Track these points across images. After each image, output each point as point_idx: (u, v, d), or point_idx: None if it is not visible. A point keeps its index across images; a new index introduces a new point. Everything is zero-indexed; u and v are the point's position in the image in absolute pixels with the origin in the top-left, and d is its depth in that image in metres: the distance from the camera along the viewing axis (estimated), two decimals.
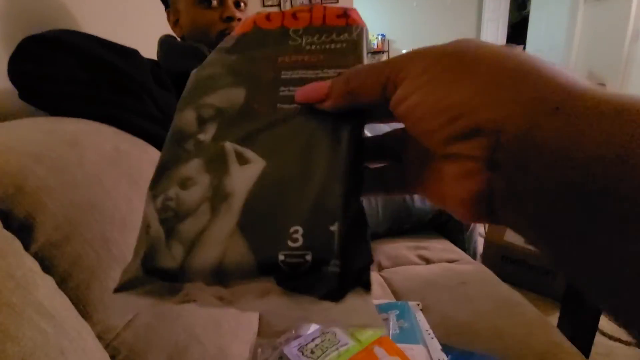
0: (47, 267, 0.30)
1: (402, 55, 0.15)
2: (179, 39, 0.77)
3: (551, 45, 4.52)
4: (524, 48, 4.58)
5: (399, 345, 0.44)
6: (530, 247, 1.16)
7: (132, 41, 0.63)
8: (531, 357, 0.49)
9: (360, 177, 0.16)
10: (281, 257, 0.13)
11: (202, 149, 0.17)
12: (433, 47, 0.15)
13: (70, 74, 0.47)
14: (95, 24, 0.83)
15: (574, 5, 4.10)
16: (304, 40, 0.19)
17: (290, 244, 0.14)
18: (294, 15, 0.21)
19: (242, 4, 0.78)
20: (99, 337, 0.33)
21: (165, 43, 0.73)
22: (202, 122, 0.18)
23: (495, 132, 0.12)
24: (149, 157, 0.49)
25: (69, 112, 0.46)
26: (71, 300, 0.31)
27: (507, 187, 0.12)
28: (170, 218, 0.16)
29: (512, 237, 1.27)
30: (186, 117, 0.18)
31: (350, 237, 0.14)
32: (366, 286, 0.14)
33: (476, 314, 0.58)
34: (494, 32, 5.27)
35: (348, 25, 0.19)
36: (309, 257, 0.13)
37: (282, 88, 0.18)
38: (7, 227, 0.29)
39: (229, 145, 0.17)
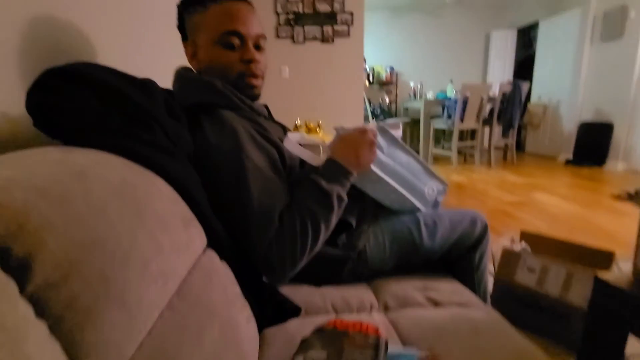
0: (41, 309, 0.29)
1: None
2: (195, 71, 0.79)
3: (558, 82, 4.60)
4: (530, 84, 4.64)
5: None
6: (542, 290, 1.11)
7: (148, 70, 0.65)
8: None
9: None
10: None
11: None
12: None
13: (85, 105, 0.47)
14: (112, 53, 0.86)
15: (580, 45, 4.20)
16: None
17: None
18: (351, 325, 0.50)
19: (261, 47, 0.78)
20: None
21: (181, 76, 0.75)
22: None
23: None
24: (156, 189, 0.48)
25: (82, 143, 0.46)
26: (63, 344, 0.29)
27: None
28: None
29: (522, 278, 1.22)
30: None
31: None
32: None
33: None
34: (500, 69, 5.40)
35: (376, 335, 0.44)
36: None
37: None
38: (5, 265, 0.28)
39: None
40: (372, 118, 4.79)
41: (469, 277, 0.89)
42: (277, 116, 0.95)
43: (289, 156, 0.77)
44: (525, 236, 1.44)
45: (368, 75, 5.24)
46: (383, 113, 4.98)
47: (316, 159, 0.85)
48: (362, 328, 0.47)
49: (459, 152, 4.23)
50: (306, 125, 2.09)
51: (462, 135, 4.35)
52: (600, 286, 0.93)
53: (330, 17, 3.20)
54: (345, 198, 0.69)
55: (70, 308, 0.31)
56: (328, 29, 3.23)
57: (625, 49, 3.66)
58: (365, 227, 0.86)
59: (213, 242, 0.59)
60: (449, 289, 0.80)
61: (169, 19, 0.93)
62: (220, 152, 0.64)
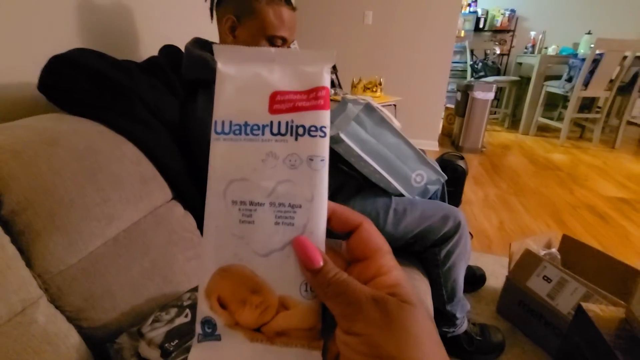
0: (9, 227, 0.49)
1: None
2: (200, 42, 0.89)
3: None
4: None
5: None
6: (551, 302, 1.02)
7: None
8: None
9: None
10: None
11: None
12: None
13: (80, 85, 0.64)
14: (148, 19, 1.02)
15: None
16: None
17: None
18: None
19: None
20: (39, 276, 0.51)
21: (186, 51, 0.85)
22: None
23: None
24: (120, 153, 0.65)
25: (77, 113, 0.65)
26: (22, 251, 0.49)
27: None
28: None
29: (535, 285, 1.11)
30: None
31: None
32: None
33: None
34: None
35: None
36: None
37: None
38: None
39: None
40: (471, 75, 4.21)
41: (434, 271, 0.89)
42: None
43: None
44: (566, 241, 1.25)
45: (478, 20, 4.49)
46: (485, 68, 4.30)
47: None
48: None
49: (577, 125, 3.47)
50: (364, 85, 2.03)
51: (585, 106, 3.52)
52: (581, 316, 0.82)
53: None
54: None
55: (28, 228, 0.50)
56: None
57: None
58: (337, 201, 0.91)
59: (178, 196, 0.75)
60: None
61: None
62: (200, 125, 0.77)
